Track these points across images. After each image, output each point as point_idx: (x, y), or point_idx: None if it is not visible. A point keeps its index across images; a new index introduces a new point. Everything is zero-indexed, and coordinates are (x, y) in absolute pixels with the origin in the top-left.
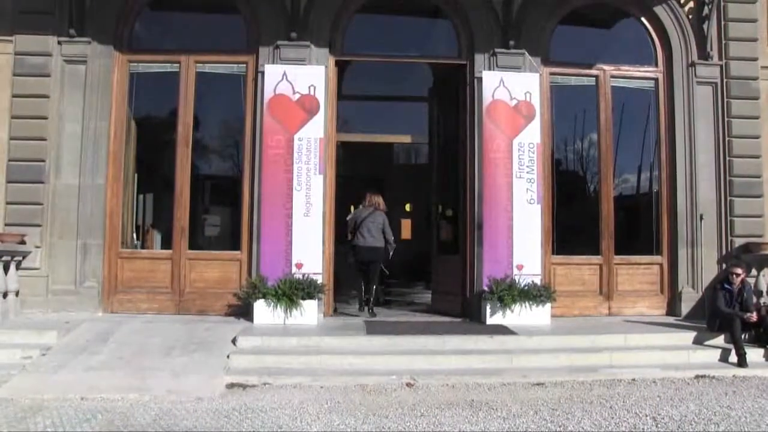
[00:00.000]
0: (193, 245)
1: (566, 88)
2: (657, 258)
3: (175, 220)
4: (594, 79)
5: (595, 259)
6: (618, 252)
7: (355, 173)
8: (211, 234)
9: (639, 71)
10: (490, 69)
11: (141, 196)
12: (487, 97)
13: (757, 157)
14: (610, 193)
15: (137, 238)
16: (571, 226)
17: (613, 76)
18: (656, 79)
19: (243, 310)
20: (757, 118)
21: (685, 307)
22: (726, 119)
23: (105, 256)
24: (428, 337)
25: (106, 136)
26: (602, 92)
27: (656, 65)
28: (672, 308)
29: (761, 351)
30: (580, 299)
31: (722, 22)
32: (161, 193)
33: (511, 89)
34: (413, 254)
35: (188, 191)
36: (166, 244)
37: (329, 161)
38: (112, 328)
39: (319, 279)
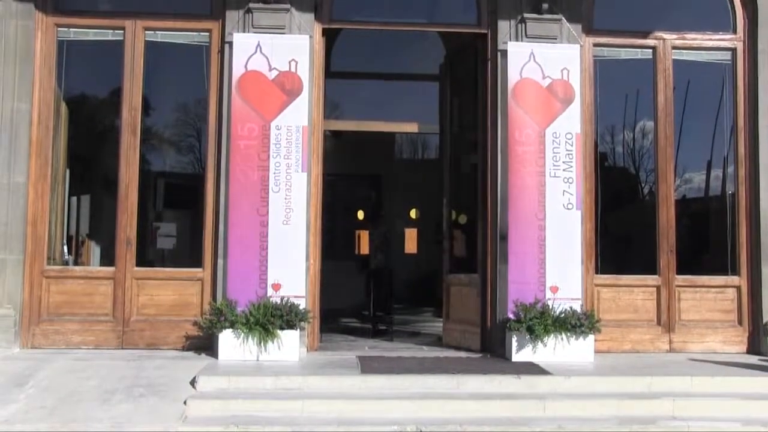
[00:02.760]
0: (141, 261)
1: (614, 64)
2: (733, 279)
3: (118, 228)
4: (650, 51)
5: (651, 279)
6: (681, 271)
7: (348, 170)
8: (166, 247)
9: (710, 39)
10: (517, 39)
11: (74, 199)
12: (513, 76)
13: None
14: (670, 195)
15: (69, 252)
16: (620, 238)
17: (675, 47)
18: (734, 50)
19: (205, 343)
20: None
21: None
22: None
23: (25, 276)
24: (439, 378)
25: (26, 122)
26: (661, 67)
27: (734, 31)
28: (754, 344)
29: None
30: (632, 330)
31: None
32: (101, 194)
33: (544, 65)
34: (420, 273)
35: (136, 192)
36: (107, 259)
37: (315, 155)
38: (33, 368)
39: (302, 304)
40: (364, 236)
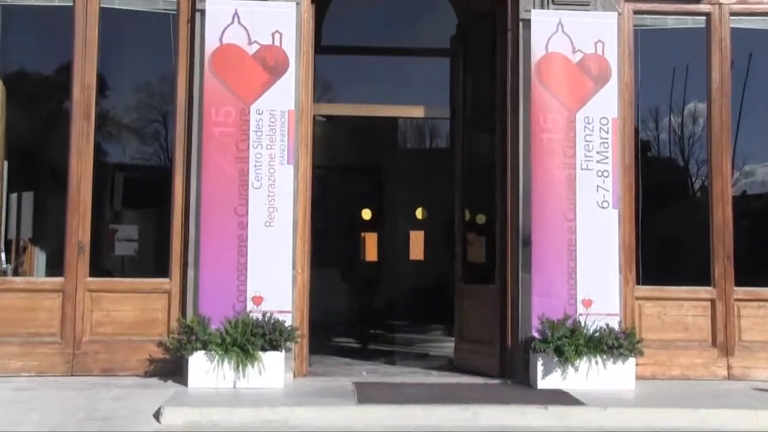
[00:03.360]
0: (97, 270)
1: (659, 34)
2: None
3: (68, 232)
4: (703, 18)
5: (704, 291)
6: (741, 281)
7: (343, 163)
8: (125, 253)
9: None
10: (542, 7)
11: (14, 196)
12: (537, 50)
13: None
14: (726, 191)
15: (8, 260)
16: (666, 242)
17: (734, 13)
18: None
19: (172, 368)
20: None
21: None
22: None
23: None
24: (450, 408)
25: None
26: (716, 38)
27: None
28: None
29: None
30: (682, 353)
31: None
32: (47, 191)
33: (575, 37)
34: (428, 283)
35: (90, 189)
36: (55, 268)
37: (303, 145)
38: None
39: (288, 320)
40: (372, 239)
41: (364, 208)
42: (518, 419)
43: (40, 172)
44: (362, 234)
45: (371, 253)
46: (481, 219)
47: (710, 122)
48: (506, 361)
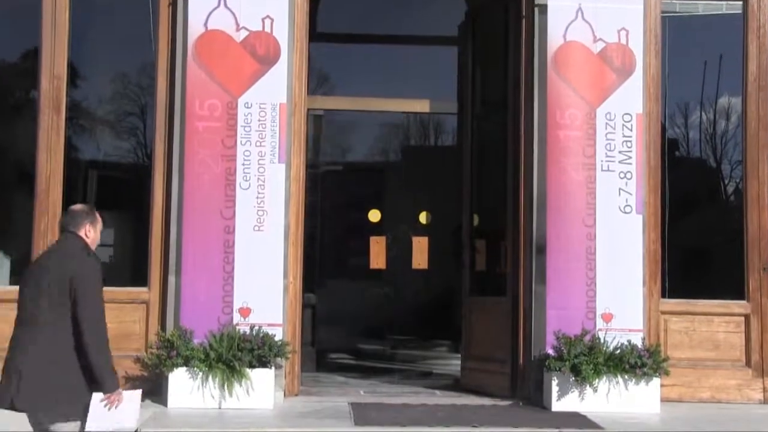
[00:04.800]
0: None
1: (689, 22)
2: None
3: (36, 235)
4: (740, 3)
5: (738, 305)
6: None
7: (340, 162)
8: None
9: None
10: None
11: None
12: (555, 38)
13: None
14: (763, 195)
15: None
16: (695, 251)
17: None
18: None
19: (151, 386)
20: None
21: None
22: None
23: None
24: (456, 431)
25: None
26: (754, 25)
27: None
28: None
29: None
30: (712, 373)
31: None
32: (12, 190)
33: (596, 24)
34: (432, 295)
35: (60, 188)
36: (20, 275)
37: (296, 142)
38: None
39: (279, 334)
40: (380, 244)
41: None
42: None
43: (4, 169)
44: (370, 238)
45: (379, 260)
46: (491, 224)
47: (745, 118)
48: (517, 381)
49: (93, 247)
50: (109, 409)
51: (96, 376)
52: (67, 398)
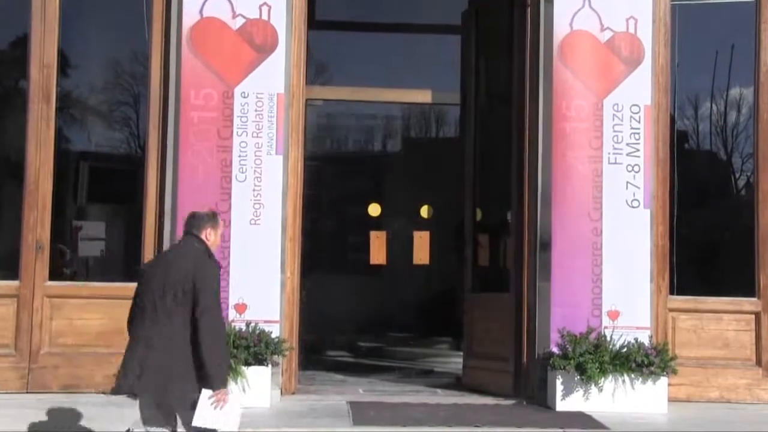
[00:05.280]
0: (57, 273)
1: (700, 10)
2: None
3: (24, 229)
4: None
5: (748, 303)
6: None
7: (339, 154)
8: (91, 254)
9: None
10: None
11: None
12: (561, 27)
13: None
14: None
15: None
16: (705, 246)
17: None
18: None
19: None
20: None
21: None
22: None
23: None
24: (458, 431)
25: None
26: (766, 14)
27: None
28: None
29: None
30: (721, 372)
31: None
32: (0, 182)
33: (603, 13)
34: (433, 291)
35: (50, 180)
36: (9, 270)
37: (294, 133)
38: None
39: (275, 331)
40: (380, 239)
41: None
42: None
43: None
44: (371, 233)
45: (379, 255)
46: (494, 219)
47: (757, 110)
48: (521, 380)
49: (213, 250)
50: (215, 407)
51: (207, 373)
52: (180, 391)
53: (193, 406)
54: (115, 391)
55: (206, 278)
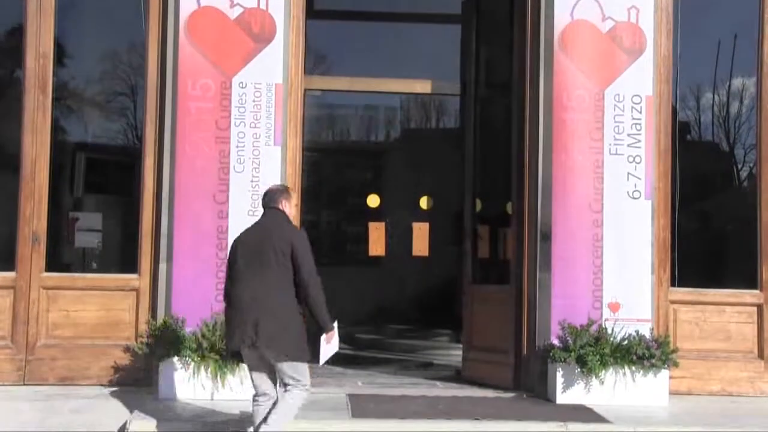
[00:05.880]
0: (54, 264)
1: (702, 0)
2: None
3: (21, 220)
4: None
5: (750, 295)
6: None
7: (338, 144)
8: (87, 245)
9: None
10: None
11: None
12: (561, 17)
13: None
14: None
15: None
16: (707, 238)
17: None
18: None
19: (141, 376)
20: None
21: None
22: None
23: None
24: (457, 425)
25: None
26: None
27: None
28: None
29: None
30: (723, 365)
31: None
32: None
33: (604, 3)
34: (433, 283)
35: (46, 171)
36: (5, 261)
37: (292, 123)
38: None
39: None
40: (379, 231)
41: (360, 195)
42: None
43: None
44: (369, 224)
45: (378, 247)
46: (494, 210)
47: (760, 101)
48: (521, 372)
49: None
50: (327, 343)
51: (319, 321)
52: (294, 341)
53: (304, 354)
54: (230, 349)
55: (301, 242)
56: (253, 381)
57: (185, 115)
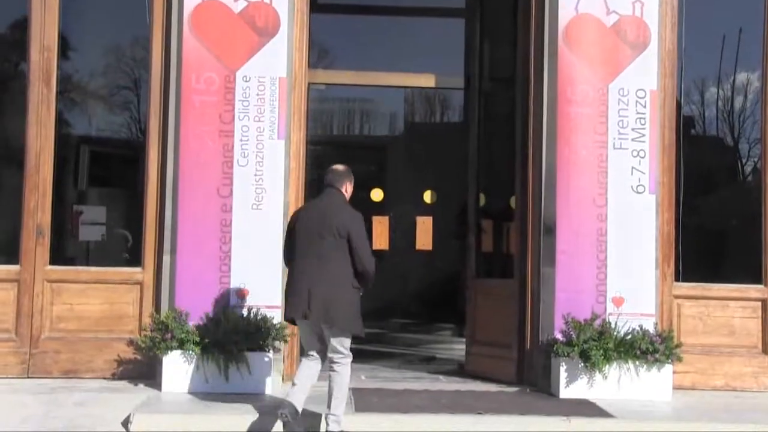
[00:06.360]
0: (58, 257)
1: None
2: None
3: (25, 213)
4: None
5: (755, 290)
6: None
7: (341, 138)
8: (92, 238)
9: None
10: None
11: None
12: (566, 10)
13: None
14: None
15: None
16: (711, 233)
17: None
18: None
19: (145, 370)
20: None
21: None
22: None
23: None
24: (460, 419)
25: None
26: None
27: None
28: None
29: None
30: (727, 360)
31: None
32: (0, 166)
33: None
34: (436, 277)
35: (51, 164)
36: (9, 255)
37: (296, 117)
38: None
39: (277, 317)
40: (382, 224)
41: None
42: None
43: None
44: (373, 218)
45: (382, 241)
46: (498, 204)
47: (765, 95)
48: (524, 366)
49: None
50: None
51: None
52: (346, 315)
53: (355, 327)
54: (287, 316)
55: (356, 223)
56: (303, 344)
57: (189, 109)
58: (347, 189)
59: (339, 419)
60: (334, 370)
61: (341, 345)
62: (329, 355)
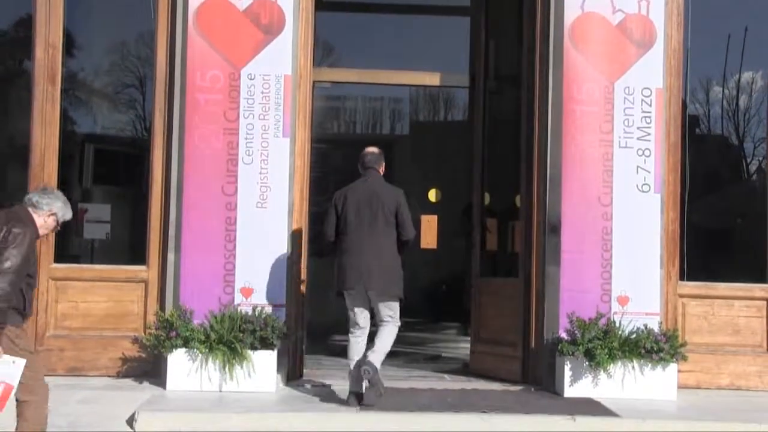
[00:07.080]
0: (62, 255)
1: None
2: None
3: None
4: None
5: (760, 289)
6: None
7: (346, 136)
8: (96, 236)
9: None
10: None
11: None
12: (572, 9)
13: None
14: None
15: None
16: (716, 232)
17: None
18: None
19: (149, 368)
20: None
21: None
22: None
23: None
24: (465, 418)
25: None
26: None
27: None
28: None
29: None
30: (732, 359)
31: None
32: (5, 164)
33: None
34: (441, 275)
35: (55, 162)
36: None
37: (301, 115)
38: None
39: (282, 315)
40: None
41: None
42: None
43: None
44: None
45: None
46: (503, 203)
47: None
48: (529, 365)
49: None
50: None
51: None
52: (397, 283)
53: (401, 292)
54: (337, 289)
55: (405, 204)
56: (353, 317)
57: (194, 107)
58: (382, 169)
59: (375, 366)
60: (382, 326)
61: (392, 309)
62: (382, 318)
